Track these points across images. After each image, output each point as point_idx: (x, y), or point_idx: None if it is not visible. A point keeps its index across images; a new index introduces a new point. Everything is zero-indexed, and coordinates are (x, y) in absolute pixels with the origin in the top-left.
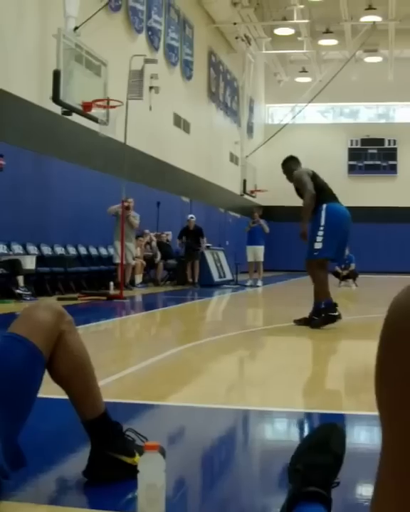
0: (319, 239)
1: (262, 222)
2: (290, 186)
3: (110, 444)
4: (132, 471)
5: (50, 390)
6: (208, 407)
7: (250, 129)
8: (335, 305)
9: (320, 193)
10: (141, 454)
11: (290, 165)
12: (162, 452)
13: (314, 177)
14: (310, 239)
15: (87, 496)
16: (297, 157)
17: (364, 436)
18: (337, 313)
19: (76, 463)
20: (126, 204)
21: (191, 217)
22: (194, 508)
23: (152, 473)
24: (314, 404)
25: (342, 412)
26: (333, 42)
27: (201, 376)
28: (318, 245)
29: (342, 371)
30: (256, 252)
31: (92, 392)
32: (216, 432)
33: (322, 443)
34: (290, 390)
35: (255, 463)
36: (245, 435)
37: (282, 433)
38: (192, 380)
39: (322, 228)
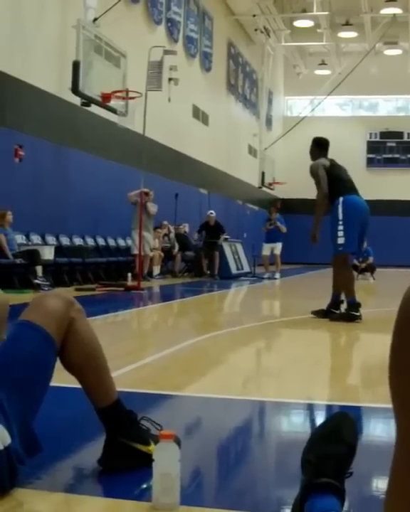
0: (340, 233)
1: (278, 224)
2: (309, 179)
3: (125, 431)
4: (147, 459)
5: (66, 378)
6: (224, 397)
7: (268, 121)
8: (358, 305)
9: (337, 184)
10: (156, 442)
11: (313, 150)
12: (177, 441)
13: (332, 167)
14: (332, 235)
15: (101, 484)
16: (324, 140)
17: (381, 429)
18: (358, 314)
19: (91, 451)
20: (145, 190)
21: (211, 213)
22: (209, 498)
23: (167, 462)
24: (330, 396)
25: (359, 404)
26: (353, 34)
27: (218, 367)
28: (341, 240)
29: (358, 364)
30: (274, 247)
31: (104, 379)
32: (231, 422)
33: (334, 433)
34: (306, 381)
35: (270, 454)
36: (260, 426)
37: (298, 425)
38: (208, 371)
39: (341, 222)
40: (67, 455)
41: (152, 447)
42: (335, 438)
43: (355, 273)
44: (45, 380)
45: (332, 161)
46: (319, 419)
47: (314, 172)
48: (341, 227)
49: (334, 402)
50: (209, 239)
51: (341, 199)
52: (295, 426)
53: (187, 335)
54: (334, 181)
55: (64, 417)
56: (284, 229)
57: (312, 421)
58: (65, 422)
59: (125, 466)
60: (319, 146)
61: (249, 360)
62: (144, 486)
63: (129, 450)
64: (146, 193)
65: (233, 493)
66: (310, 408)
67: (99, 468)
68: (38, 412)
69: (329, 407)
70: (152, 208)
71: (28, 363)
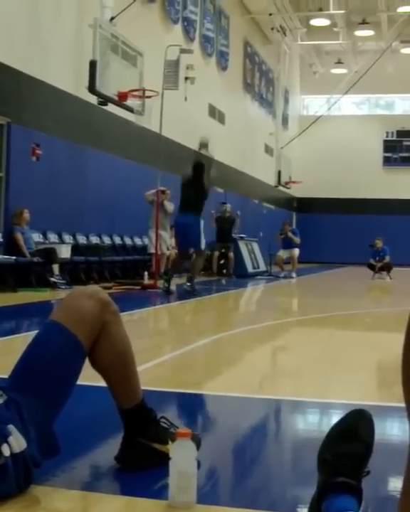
0: None
1: (290, 234)
2: (325, 177)
3: (144, 431)
4: (165, 458)
5: (85, 376)
6: (241, 396)
7: (285, 120)
8: None
9: None
10: (173, 441)
11: None
12: (197, 440)
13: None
14: None
15: (118, 482)
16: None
17: (397, 428)
18: None
19: (108, 449)
20: (162, 189)
21: (224, 203)
22: (225, 497)
23: (184, 461)
24: (347, 395)
25: (376, 403)
26: (369, 33)
27: (235, 365)
28: None
29: (374, 363)
30: (291, 252)
31: (132, 381)
32: (248, 421)
33: (351, 431)
34: (323, 380)
35: (286, 453)
36: (276, 425)
37: (313, 424)
38: (225, 369)
39: None
40: (85, 453)
41: (170, 446)
42: (352, 436)
43: (372, 272)
44: (70, 385)
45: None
46: (335, 418)
47: None
48: None
49: (350, 401)
50: (223, 234)
51: None
52: (311, 425)
53: (204, 333)
54: None
55: (82, 414)
56: (297, 240)
57: (328, 420)
58: (83, 419)
59: (142, 465)
60: None
61: (266, 359)
62: (161, 484)
63: (147, 449)
64: (163, 192)
65: (250, 491)
66: (326, 407)
67: (116, 466)
68: (59, 414)
69: (345, 406)
70: (169, 206)
71: (54, 367)
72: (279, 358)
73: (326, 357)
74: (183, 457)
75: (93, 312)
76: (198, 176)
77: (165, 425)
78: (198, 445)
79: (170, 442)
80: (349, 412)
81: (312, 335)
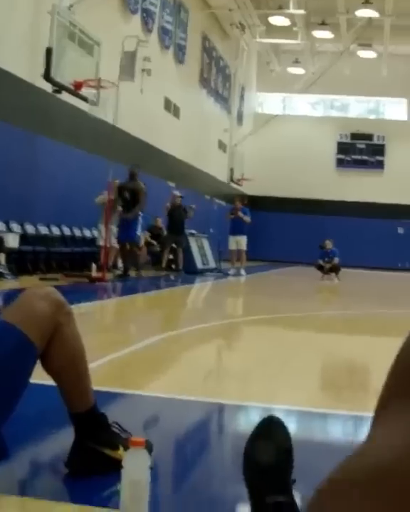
0: None
1: (241, 214)
2: (277, 176)
3: (95, 436)
4: (115, 464)
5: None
6: (184, 399)
7: (240, 117)
8: None
9: None
10: (125, 446)
11: None
12: (149, 447)
13: None
14: None
15: (67, 489)
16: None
17: (342, 433)
18: None
19: (58, 454)
20: (112, 197)
21: (175, 192)
22: (175, 504)
23: (137, 470)
24: (294, 401)
25: (323, 411)
26: (328, 34)
27: (181, 366)
28: None
29: (323, 367)
30: (239, 241)
31: (83, 385)
32: (193, 425)
33: (265, 443)
34: (270, 384)
35: (235, 461)
36: (221, 430)
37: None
38: (171, 370)
39: None
40: (32, 457)
41: (121, 452)
42: (268, 448)
43: (321, 274)
44: (20, 388)
45: None
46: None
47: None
48: None
49: (297, 406)
50: (174, 225)
51: None
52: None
53: (151, 332)
54: None
55: (30, 416)
56: (247, 220)
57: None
58: (31, 421)
59: (92, 471)
60: None
61: (212, 360)
62: (111, 491)
63: (98, 455)
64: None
65: (202, 501)
66: (270, 412)
67: (65, 471)
68: (9, 417)
69: (291, 412)
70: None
71: (4, 368)
72: (226, 360)
73: (274, 360)
74: (136, 466)
75: (46, 313)
76: (135, 199)
77: (116, 430)
78: (150, 452)
79: (121, 448)
80: (259, 422)
81: (261, 336)
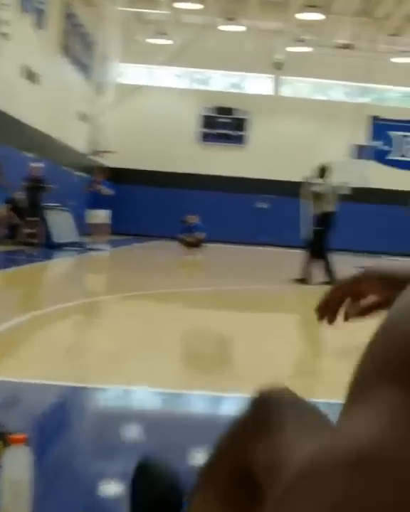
0: None
1: (100, 187)
2: (141, 149)
3: None
4: None
5: None
6: (52, 383)
7: (102, 87)
8: None
9: None
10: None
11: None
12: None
13: None
14: None
15: None
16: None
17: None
18: None
19: None
20: None
21: (33, 163)
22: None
23: (17, 469)
24: (165, 383)
25: (194, 392)
26: (193, 6)
27: (46, 349)
28: None
29: (192, 347)
30: (99, 215)
31: None
32: (56, 410)
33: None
34: (142, 365)
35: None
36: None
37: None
38: (36, 354)
39: None
40: None
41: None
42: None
43: (184, 247)
44: None
45: None
46: (154, 407)
47: None
48: None
49: (167, 388)
50: (32, 197)
51: None
52: (121, 415)
53: (12, 312)
54: None
55: None
56: (106, 192)
57: (128, 404)
58: None
59: None
60: None
61: (82, 342)
62: None
63: None
64: None
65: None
66: (138, 395)
67: None
68: None
69: (161, 394)
70: None
71: None
72: (96, 341)
73: (145, 339)
74: (16, 465)
75: None
76: None
77: None
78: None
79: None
80: (134, 472)
81: (130, 314)
